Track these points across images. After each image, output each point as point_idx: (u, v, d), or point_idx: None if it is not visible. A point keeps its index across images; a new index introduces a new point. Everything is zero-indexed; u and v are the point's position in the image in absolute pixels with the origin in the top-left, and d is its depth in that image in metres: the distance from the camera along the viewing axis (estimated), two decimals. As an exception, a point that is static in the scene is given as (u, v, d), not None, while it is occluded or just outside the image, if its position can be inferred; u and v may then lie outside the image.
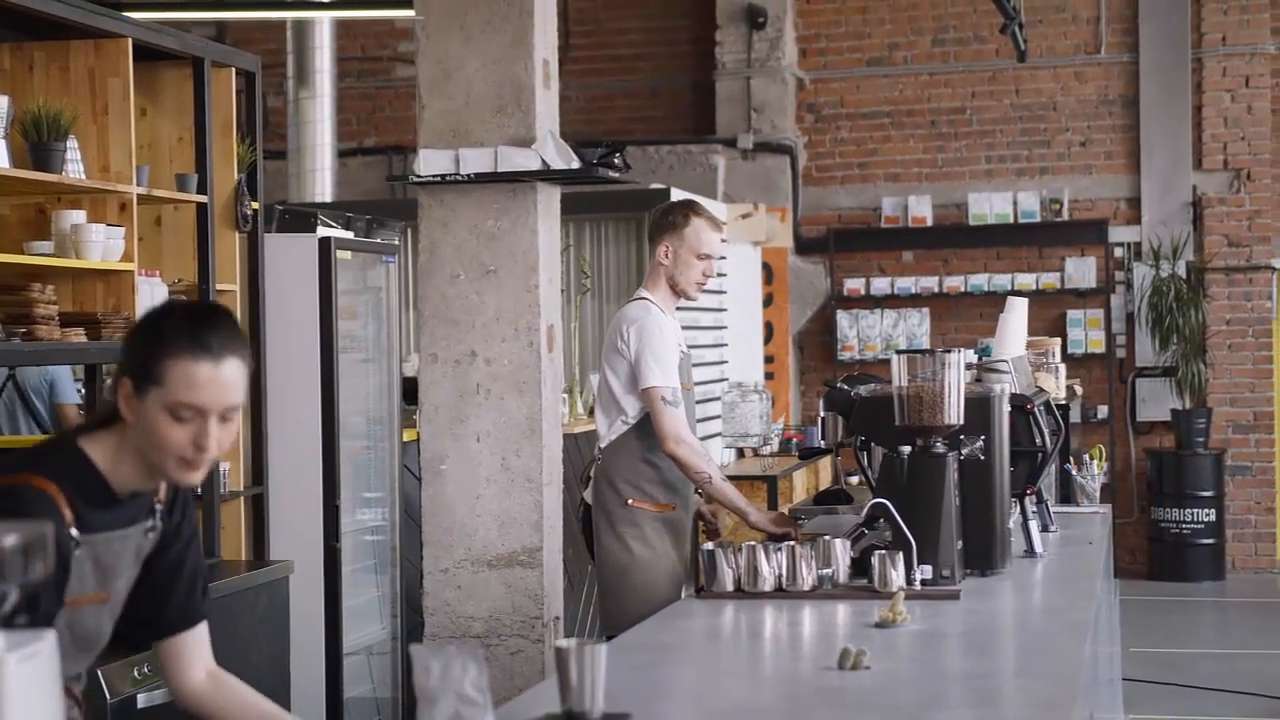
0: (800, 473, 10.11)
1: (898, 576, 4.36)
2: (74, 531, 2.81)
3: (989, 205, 13.32)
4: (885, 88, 13.71)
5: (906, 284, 13.41)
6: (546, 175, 5.83)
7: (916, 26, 13.64)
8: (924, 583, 4.43)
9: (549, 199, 6.01)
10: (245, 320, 6.41)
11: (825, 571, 4.45)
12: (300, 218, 7.32)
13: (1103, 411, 13.10)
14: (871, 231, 13.61)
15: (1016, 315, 5.94)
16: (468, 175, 5.81)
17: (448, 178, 5.83)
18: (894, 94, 13.69)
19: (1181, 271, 12.92)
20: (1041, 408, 5.36)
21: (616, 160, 6.03)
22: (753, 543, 4.51)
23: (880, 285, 13.43)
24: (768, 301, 12.94)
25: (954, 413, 4.58)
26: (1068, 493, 6.79)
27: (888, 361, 4.69)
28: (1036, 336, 7.48)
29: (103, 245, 5.44)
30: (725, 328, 11.09)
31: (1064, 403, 6.70)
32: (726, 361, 11.10)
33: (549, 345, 5.97)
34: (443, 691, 2.60)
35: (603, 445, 5.62)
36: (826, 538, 4.56)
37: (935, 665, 3.70)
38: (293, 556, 6.41)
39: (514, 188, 5.87)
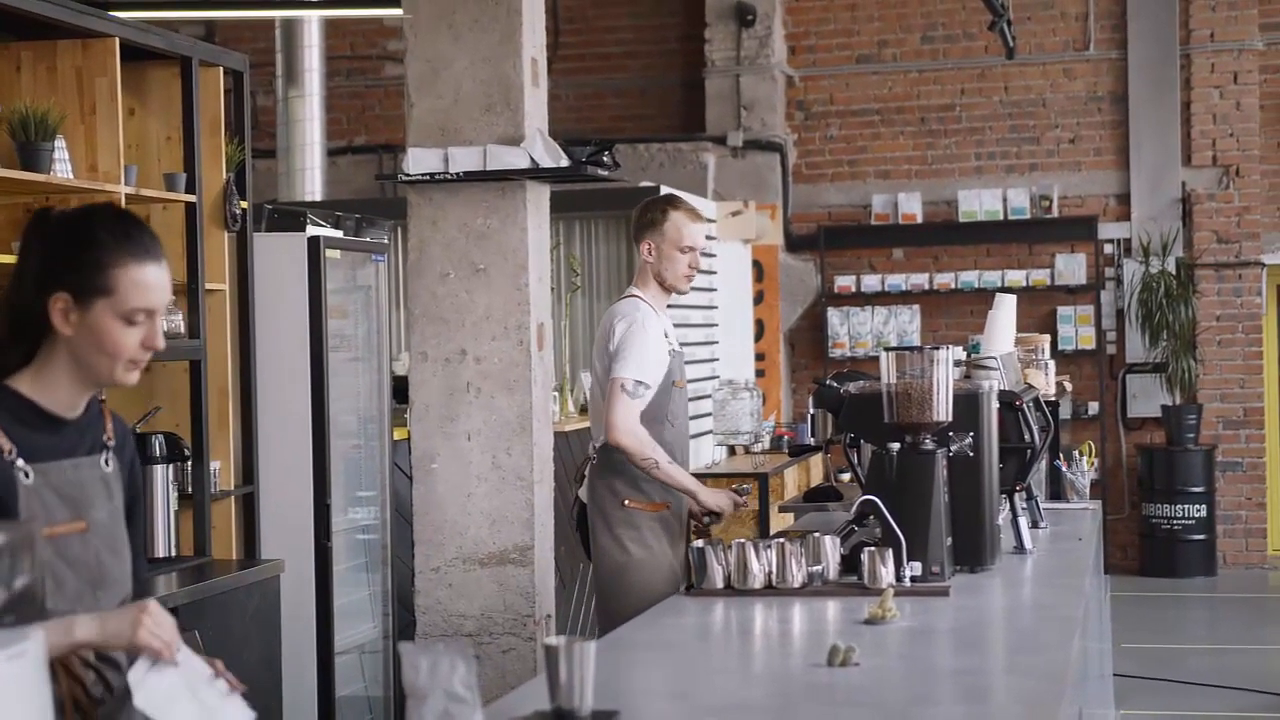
0: (791, 470, 10.12)
1: (887, 573, 4.36)
2: (18, 460, 2.80)
3: (979, 202, 13.33)
4: (875, 85, 13.71)
5: (897, 281, 13.41)
6: (536, 174, 5.84)
7: (905, 24, 13.65)
8: (913, 579, 4.43)
9: (538, 197, 6.02)
10: (234, 319, 6.41)
11: (815, 569, 4.45)
12: (289, 217, 7.33)
13: (1093, 408, 13.12)
14: (862, 229, 13.61)
15: (1005, 312, 5.94)
16: (457, 174, 5.82)
17: (437, 176, 5.83)
18: (883, 91, 13.70)
19: (1171, 268, 12.93)
20: (1030, 404, 5.36)
21: (606, 158, 6.04)
22: (742, 540, 4.51)
23: (871, 282, 13.43)
24: (758, 299, 12.94)
25: (942, 409, 4.58)
26: (1058, 489, 6.80)
27: (878, 358, 4.69)
28: (1026, 333, 7.48)
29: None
30: (716, 325, 11.10)
31: (1053, 399, 6.70)
32: (717, 359, 11.11)
33: (539, 343, 5.97)
34: (431, 689, 2.61)
35: (597, 445, 5.63)
36: (816, 535, 4.57)
37: (924, 662, 3.71)
38: (284, 555, 6.41)
39: (503, 186, 5.88)
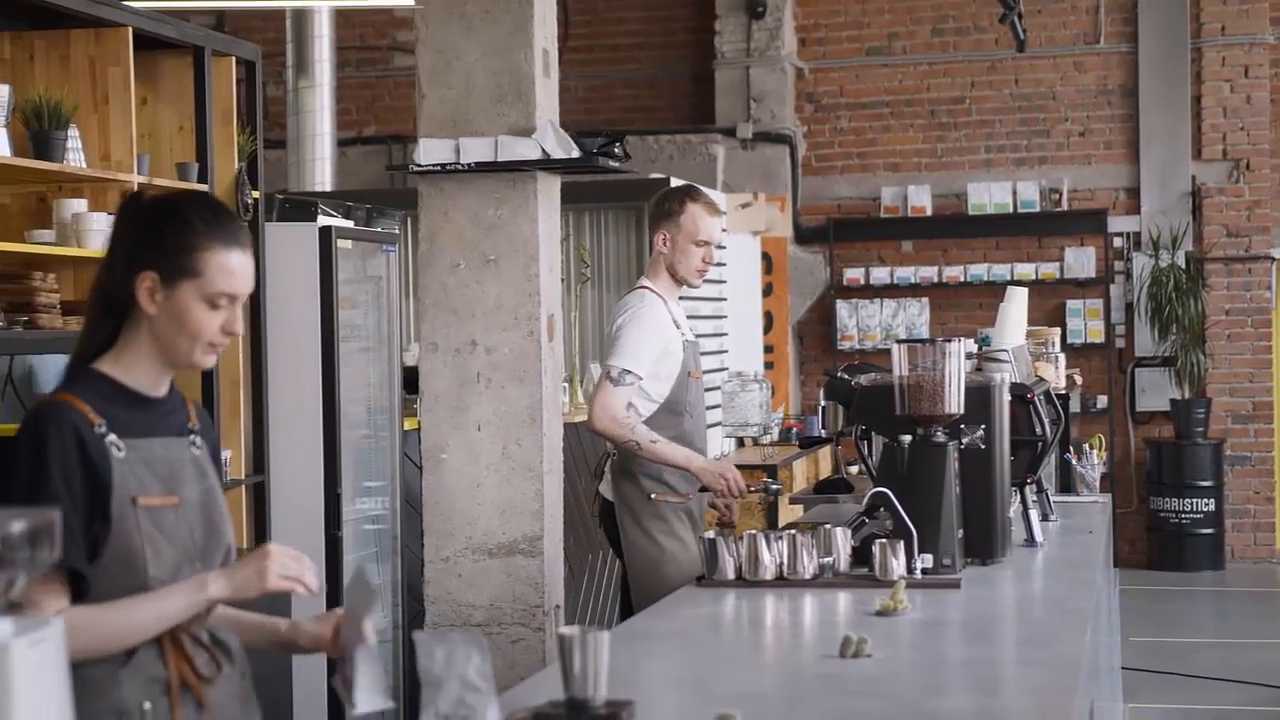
0: (800, 462, 10.12)
1: (898, 565, 4.36)
2: (110, 435, 2.87)
3: (988, 195, 13.32)
4: (884, 77, 13.70)
5: (906, 274, 13.41)
6: (547, 165, 5.83)
7: (916, 16, 13.64)
8: (924, 572, 4.43)
9: (549, 188, 6.01)
10: (246, 309, 6.38)
11: (826, 560, 4.45)
12: (300, 207, 7.33)
13: (1102, 401, 13.11)
14: (871, 221, 13.61)
15: (1017, 305, 5.95)
16: (468, 165, 5.81)
17: (448, 167, 5.83)
18: (893, 84, 13.69)
19: (1180, 261, 12.92)
20: (1041, 397, 5.36)
21: (617, 150, 6.03)
22: (753, 531, 4.51)
23: (880, 275, 13.43)
24: (767, 291, 12.94)
25: (954, 402, 4.58)
26: (1067, 482, 6.80)
27: (887, 351, 4.69)
28: (1036, 326, 7.49)
29: (104, 234, 5.44)
30: (725, 317, 11.09)
31: (1064, 392, 6.71)
32: (726, 351, 11.11)
33: (549, 334, 5.97)
34: (447, 678, 2.61)
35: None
36: (827, 526, 4.57)
37: (937, 654, 3.71)
38: (294, 545, 6.40)
39: (514, 177, 5.87)
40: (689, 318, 6.13)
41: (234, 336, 2.96)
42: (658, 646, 3.76)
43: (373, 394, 7.33)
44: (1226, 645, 10.29)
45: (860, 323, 13.45)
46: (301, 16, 11.84)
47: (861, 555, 4.51)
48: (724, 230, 5.92)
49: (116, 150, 5.63)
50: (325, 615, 3.13)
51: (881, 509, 4.57)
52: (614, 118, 13.72)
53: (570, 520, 6.24)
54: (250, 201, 6.34)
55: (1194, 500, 12.75)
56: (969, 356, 5.02)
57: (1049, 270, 13.16)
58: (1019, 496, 5.24)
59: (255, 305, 6.47)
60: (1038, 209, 13.27)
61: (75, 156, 5.43)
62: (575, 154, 5.81)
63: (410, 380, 6.83)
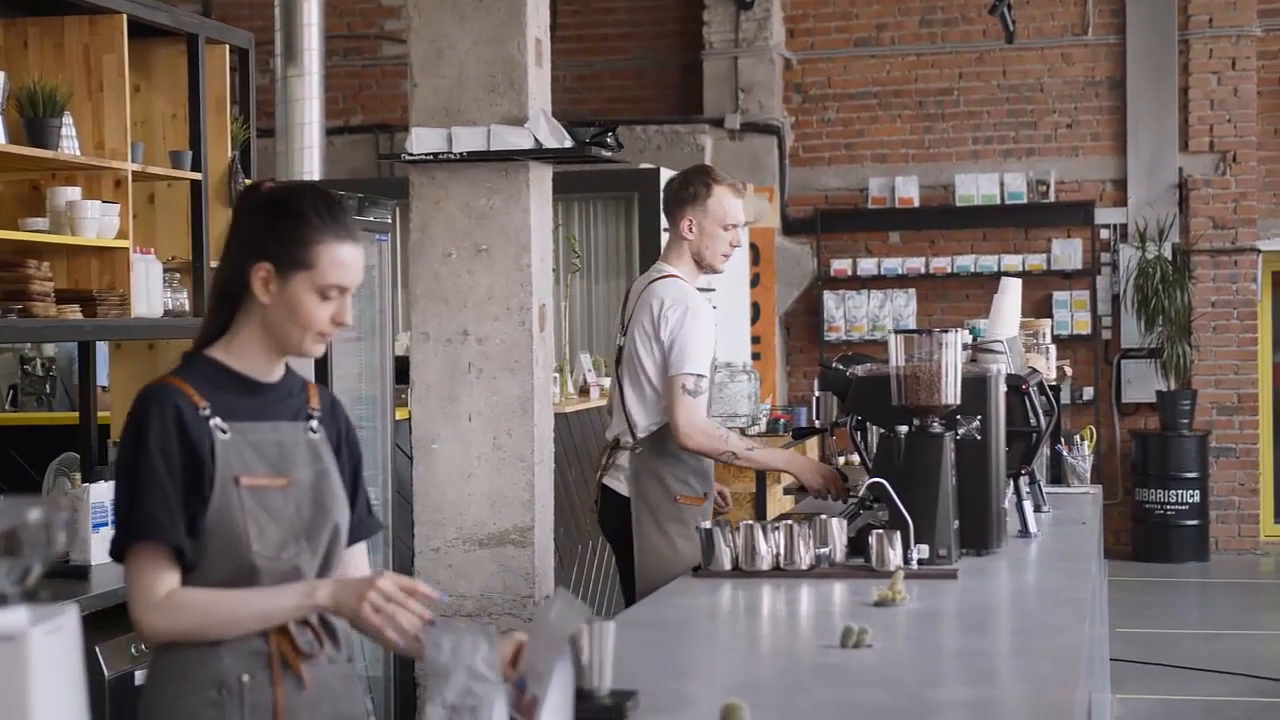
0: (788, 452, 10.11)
1: (895, 556, 4.37)
2: (214, 418, 2.95)
3: (976, 186, 13.33)
4: (872, 68, 13.71)
5: (893, 265, 13.42)
6: (539, 154, 5.82)
7: (904, 7, 13.64)
8: (921, 562, 4.44)
9: (541, 178, 6.01)
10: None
11: (822, 551, 4.46)
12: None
13: (1088, 393, 13.14)
14: (858, 212, 13.62)
15: (1011, 296, 5.95)
16: (460, 154, 5.80)
17: (440, 156, 5.82)
18: (881, 75, 13.70)
19: (1167, 253, 12.95)
20: (1035, 388, 5.37)
21: (610, 140, 6.03)
22: (749, 521, 4.51)
23: (867, 266, 13.44)
24: (755, 282, 12.95)
25: (951, 393, 4.58)
26: (1058, 473, 6.82)
27: (874, 342, 4.70)
28: (1025, 318, 7.49)
29: (98, 222, 5.43)
30: (713, 307, 11.08)
31: (1055, 384, 6.72)
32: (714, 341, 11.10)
33: (541, 324, 5.96)
34: (454, 668, 2.61)
35: (640, 435, 5.38)
36: (823, 517, 4.58)
37: (938, 644, 3.72)
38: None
39: (506, 166, 5.87)
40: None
41: (344, 327, 3.03)
42: (656, 637, 3.76)
43: (363, 384, 7.32)
44: (1211, 636, 10.32)
45: (847, 314, 13.46)
46: (291, 4, 11.76)
47: (857, 546, 4.52)
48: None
49: (111, 138, 5.61)
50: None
51: (876, 499, 4.58)
52: (601, 108, 13.71)
53: (560, 510, 6.23)
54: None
55: (1179, 492, 12.79)
56: (964, 348, 5.03)
57: (1036, 262, 13.18)
58: (1013, 487, 5.25)
59: (247, 294, 6.45)
60: (1025, 200, 13.29)
61: (69, 144, 5.41)
62: (568, 144, 5.81)
63: (401, 370, 6.81)
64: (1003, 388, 4.91)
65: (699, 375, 5.26)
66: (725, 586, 4.34)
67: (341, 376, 6.98)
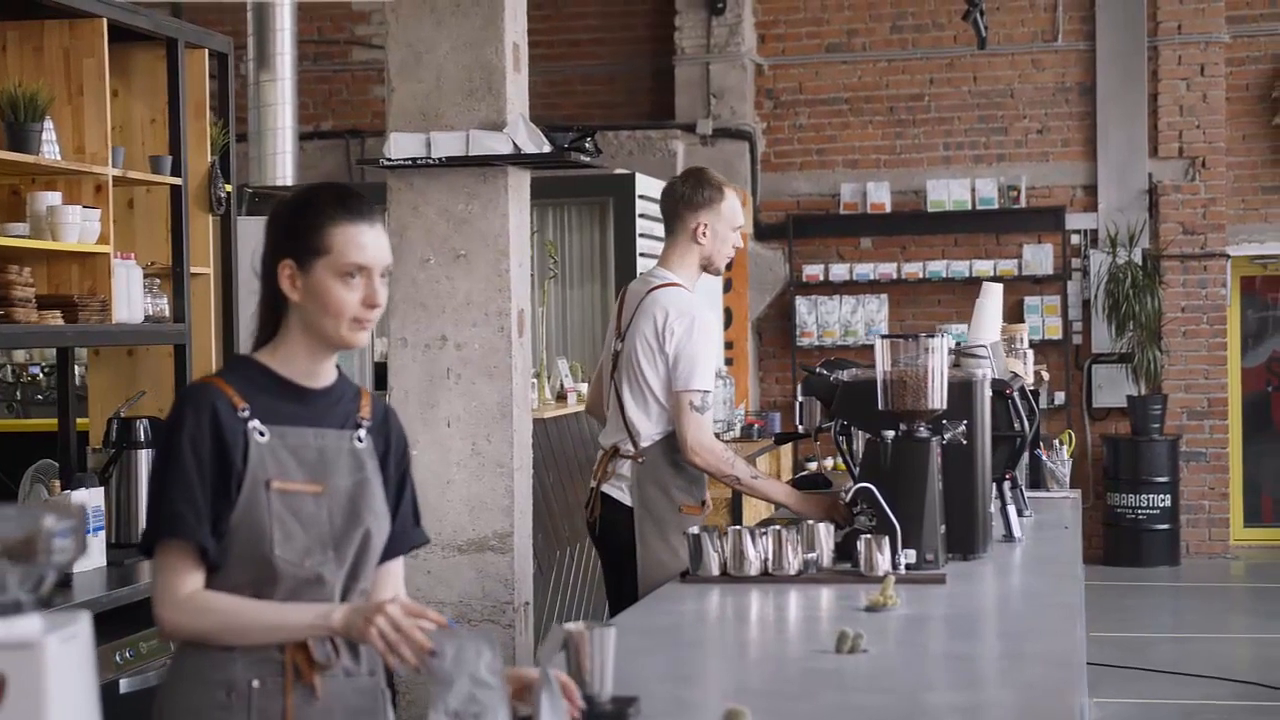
0: (762, 458, 10.13)
1: (883, 561, 4.38)
2: (253, 421, 2.96)
3: (947, 192, 13.37)
4: (844, 74, 13.74)
5: (865, 270, 13.45)
6: (517, 159, 5.81)
7: (875, 13, 13.68)
8: (908, 567, 4.45)
9: (519, 183, 6.00)
10: (218, 304, 6.37)
11: (810, 555, 4.46)
12: (269, 200, 7.29)
13: (1059, 398, 13.18)
14: (830, 218, 13.64)
15: (992, 301, 5.96)
16: (438, 159, 5.79)
17: (418, 161, 5.80)
18: (852, 80, 13.72)
19: (1137, 259, 13.01)
20: (1018, 393, 5.38)
21: (588, 145, 6.02)
22: (738, 526, 4.51)
23: (839, 271, 13.46)
24: (726, 287, 12.95)
25: (937, 397, 4.59)
26: (1037, 478, 6.84)
27: (847, 347, 4.70)
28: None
29: (79, 227, 5.40)
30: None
31: (1034, 388, 6.74)
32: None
33: (519, 330, 5.96)
34: (457, 675, 2.60)
35: (643, 444, 5.24)
36: (810, 522, 4.58)
37: (932, 649, 3.72)
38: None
39: (484, 171, 5.86)
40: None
41: (378, 309, 3.00)
42: (647, 643, 3.75)
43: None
44: (1183, 640, 10.37)
45: (819, 319, 13.47)
46: (264, 9, 11.77)
47: (844, 551, 4.52)
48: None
49: (91, 142, 5.58)
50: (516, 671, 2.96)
51: (862, 504, 4.58)
52: (573, 113, 13.70)
53: (538, 516, 6.22)
54: (224, 195, 6.30)
55: (1150, 496, 12.84)
56: (949, 352, 5.04)
57: (1007, 267, 13.23)
58: (997, 492, 5.26)
59: (227, 299, 6.43)
60: (996, 206, 13.33)
61: (50, 149, 5.38)
62: (547, 149, 5.80)
63: (380, 375, 6.80)
64: (988, 392, 4.92)
65: (705, 392, 5.16)
66: (714, 592, 4.34)
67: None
